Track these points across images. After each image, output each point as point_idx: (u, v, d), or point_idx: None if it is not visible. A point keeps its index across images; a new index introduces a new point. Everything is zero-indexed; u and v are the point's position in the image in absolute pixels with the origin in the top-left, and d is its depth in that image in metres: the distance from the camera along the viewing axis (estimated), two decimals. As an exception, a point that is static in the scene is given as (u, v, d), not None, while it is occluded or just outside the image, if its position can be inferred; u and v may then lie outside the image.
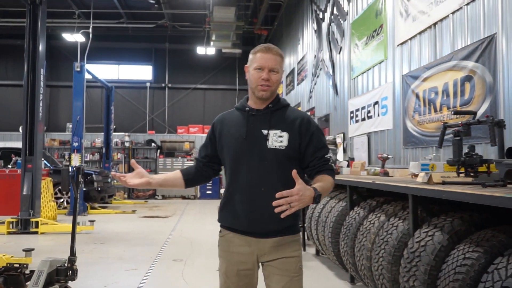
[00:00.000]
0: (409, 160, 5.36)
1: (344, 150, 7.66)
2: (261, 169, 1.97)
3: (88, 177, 11.76)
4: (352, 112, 7.31)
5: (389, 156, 5.22)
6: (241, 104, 2.13)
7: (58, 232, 7.99)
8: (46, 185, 9.28)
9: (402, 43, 5.51)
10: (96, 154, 15.80)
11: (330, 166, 2.05)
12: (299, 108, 11.63)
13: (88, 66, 16.35)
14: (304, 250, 6.46)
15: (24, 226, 7.93)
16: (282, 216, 1.72)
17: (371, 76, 6.58)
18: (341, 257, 4.64)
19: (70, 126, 16.19)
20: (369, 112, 6.54)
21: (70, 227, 8.46)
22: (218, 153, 2.14)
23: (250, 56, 2.05)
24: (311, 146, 2.02)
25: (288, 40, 13.57)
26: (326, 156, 2.05)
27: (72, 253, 4.04)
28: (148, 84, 16.79)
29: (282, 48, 14.58)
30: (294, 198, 1.71)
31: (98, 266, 5.56)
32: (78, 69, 10.93)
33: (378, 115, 6.21)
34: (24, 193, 8.01)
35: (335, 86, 8.31)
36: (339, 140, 7.89)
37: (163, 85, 16.87)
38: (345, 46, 7.83)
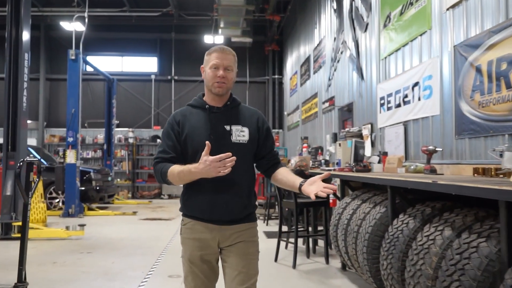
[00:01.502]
0: (464, 153, 4.23)
1: (372, 144, 6.54)
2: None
3: (86, 176, 10.80)
4: (382, 99, 6.18)
5: (437, 149, 4.10)
6: (198, 102, 2.22)
7: (44, 238, 7.00)
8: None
9: (453, 6, 4.37)
10: (98, 151, 14.87)
11: (279, 159, 2.32)
12: (316, 99, 10.53)
13: (89, 58, 15.46)
14: (327, 262, 5.37)
15: (5, 231, 6.96)
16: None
17: (408, 53, 5.44)
18: (382, 280, 3.55)
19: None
20: (405, 96, 5.41)
21: (59, 232, 7.51)
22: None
23: (206, 57, 2.17)
24: (268, 140, 2.24)
25: (303, 27, 12.45)
26: (276, 151, 2.32)
27: (20, 278, 3.06)
28: (153, 77, 15.79)
29: (296, 36, 13.46)
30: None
31: (75, 284, 4.54)
32: (73, 57, 9.95)
33: (419, 99, 5.08)
34: (5, 193, 7.04)
35: (360, 70, 7.19)
36: (365, 132, 6.77)
37: (169, 77, 15.86)
38: (372, 22, 6.70)
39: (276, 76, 16.20)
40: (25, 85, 7.36)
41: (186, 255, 2.18)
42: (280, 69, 16.22)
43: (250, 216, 2.21)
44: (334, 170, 5.81)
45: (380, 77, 6.36)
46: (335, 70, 8.82)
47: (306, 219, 5.90)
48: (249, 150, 2.17)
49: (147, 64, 16.11)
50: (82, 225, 7.14)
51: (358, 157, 5.83)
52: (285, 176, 2.19)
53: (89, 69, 15.29)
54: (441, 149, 4.24)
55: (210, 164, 1.90)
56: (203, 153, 1.94)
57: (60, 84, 15.71)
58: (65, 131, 15.32)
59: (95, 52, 15.85)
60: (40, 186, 8.43)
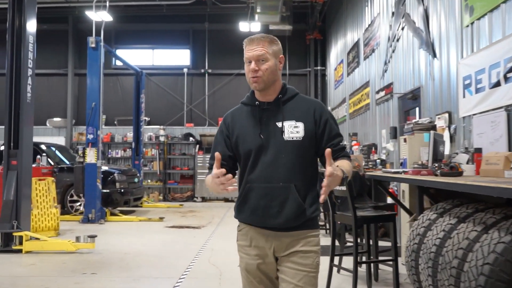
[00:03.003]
0: None
1: (451, 138, 5.03)
2: (278, 163, 1.94)
3: (110, 177, 9.81)
4: (467, 78, 4.67)
5: None
6: (248, 99, 2.08)
7: (48, 251, 5.96)
8: (47, 187, 7.34)
9: None
10: (128, 150, 13.93)
11: (347, 153, 2.04)
12: (368, 89, 9.04)
13: (119, 52, 14.57)
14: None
15: (5, 243, 5.98)
16: (322, 200, 1.74)
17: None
18: None
19: (101, 118, 14.48)
20: (509, 70, 3.90)
21: (66, 244, 6.43)
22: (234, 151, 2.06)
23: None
24: (325, 134, 2.00)
25: (350, 8, 10.95)
26: (341, 143, 2.03)
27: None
28: (185, 70, 14.71)
29: (342, 20, 11.95)
30: (332, 180, 1.70)
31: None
32: (93, 45, 8.95)
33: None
34: (5, 198, 6.05)
35: (431, 46, 5.68)
36: (440, 123, 5.27)
37: (202, 71, 14.74)
38: (449, -18, 5.19)
39: (319, 68, 14.72)
40: (30, 72, 6.35)
41: (242, 264, 2.07)
42: (323, 59, 14.73)
43: (310, 222, 2.01)
44: (404, 173, 4.37)
45: (463, 50, 4.84)
46: (393, 51, 7.31)
47: (367, 238, 4.49)
48: (306, 147, 1.98)
49: (179, 57, 15.07)
50: (92, 236, 6.04)
51: (438, 156, 4.36)
52: None
53: (118, 63, 14.46)
54: None
55: (213, 179, 1.80)
56: (214, 164, 1.82)
57: (89, 80, 14.93)
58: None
59: (125, 45, 15.00)
60: (52, 188, 7.45)
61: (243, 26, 12.81)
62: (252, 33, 14.04)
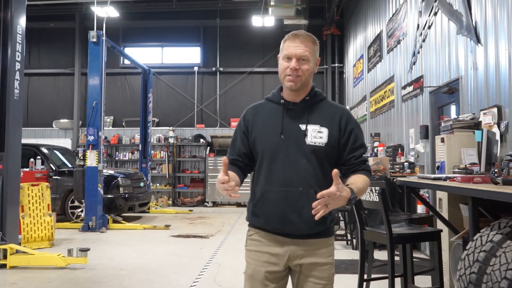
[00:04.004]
0: None
1: (502, 137, 4.21)
2: (298, 167, 1.85)
3: (114, 181, 9.18)
4: (523, 64, 3.85)
5: None
6: (274, 96, 2.00)
7: (35, 267, 5.30)
8: (41, 193, 6.71)
9: None
10: (136, 152, 13.30)
11: (368, 167, 1.94)
12: (392, 84, 8.22)
13: (128, 50, 14.00)
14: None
15: (-12, 256, 5.34)
16: (317, 218, 1.63)
17: None
18: None
19: (109, 120, 13.96)
20: None
21: (54, 259, 5.64)
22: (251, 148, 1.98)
23: (281, 45, 1.94)
24: (349, 143, 1.91)
25: (371, 1, 10.15)
26: (364, 155, 1.94)
27: None
28: (196, 69, 14.04)
29: (361, 12, 11.14)
30: (332, 198, 1.61)
31: None
32: (95, 40, 8.32)
33: None
34: (-11, 206, 5.42)
35: (473, 30, 4.86)
36: (487, 119, 4.45)
37: (213, 69, 14.05)
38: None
39: (336, 65, 13.90)
40: (18, 66, 5.71)
41: (248, 271, 1.94)
42: (341, 56, 13.91)
43: (328, 230, 1.93)
44: (449, 179, 3.56)
45: (518, 31, 4.02)
46: (423, 40, 6.49)
47: (403, 259, 3.67)
48: (327, 154, 1.88)
49: (190, 54, 14.40)
50: (84, 250, 5.35)
51: (492, 158, 3.56)
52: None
53: (126, 62, 13.88)
54: None
55: (218, 183, 1.73)
56: (222, 168, 1.74)
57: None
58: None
59: (133, 43, 14.42)
60: (47, 195, 6.81)
61: (256, 20, 12.10)
62: (265, 28, 13.36)
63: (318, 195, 1.60)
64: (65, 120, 14.06)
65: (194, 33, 14.25)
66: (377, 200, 3.16)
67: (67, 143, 13.55)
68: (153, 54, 14.40)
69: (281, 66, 1.90)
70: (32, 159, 7.07)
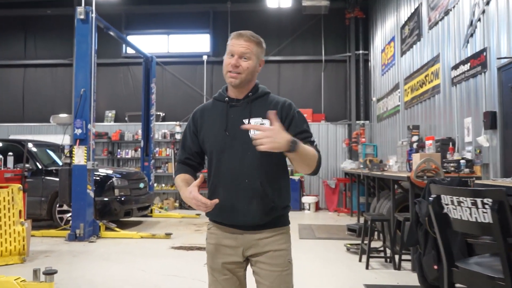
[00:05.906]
0: None
1: None
2: (244, 161, 1.91)
3: (108, 182, 7.96)
4: None
5: None
6: (220, 95, 2.07)
7: (-13, 295, 4.04)
8: (10, 197, 5.50)
9: None
10: (139, 150, 12.10)
11: (317, 148, 1.93)
12: (437, 65, 6.80)
13: (131, 38, 12.74)
14: None
15: None
16: (261, 149, 1.66)
17: None
18: None
19: (110, 114, 12.78)
20: None
21: (10, 284, 3.84)
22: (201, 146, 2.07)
23: (227, 43, 1.99)
24: (291, 130, 1.91)
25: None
26: (309, 139, 1.93)
27: None
28: (205, 58, 12.75)
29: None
30: (267, 134, 1.65)
31: None
32: (82, 16, 7.08)
33: None
34: None
35: None
36: None
37: (224, 58, 12.75)
38: None
39: (361, 52, 12.45)
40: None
41: (208, 262, 2.04)
42: (366, 42, 12.46)
43: (279, 220, 1.98)
44: None
45: None
46: (486, 3, 5.09)
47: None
48: None
49: (198, 42, 13.11)
50: (49, 273, 4.07)
51: None
52: None
53: (130, 51, 12.71)
54: None
55: (192, 199, 1.82)
56: (194, 183, 1.86)
57: (99, 70, 13.15)
58: (103, 126, 12.84)
59: (137, 30, 13.19)
60: (18, 199, 5.59)
61: (271, 1, 10.77)
62: (281, 9, 11.99)
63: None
64: (64, 115, 12.91)
65: (202, 19, 12.96)
66: (489, 220, 1.81)
67: (65, 139, 12.38)
68: (158, 43, 13.15)
69: (224, 62, 1.94)
70: (0, 156, 5.90)
